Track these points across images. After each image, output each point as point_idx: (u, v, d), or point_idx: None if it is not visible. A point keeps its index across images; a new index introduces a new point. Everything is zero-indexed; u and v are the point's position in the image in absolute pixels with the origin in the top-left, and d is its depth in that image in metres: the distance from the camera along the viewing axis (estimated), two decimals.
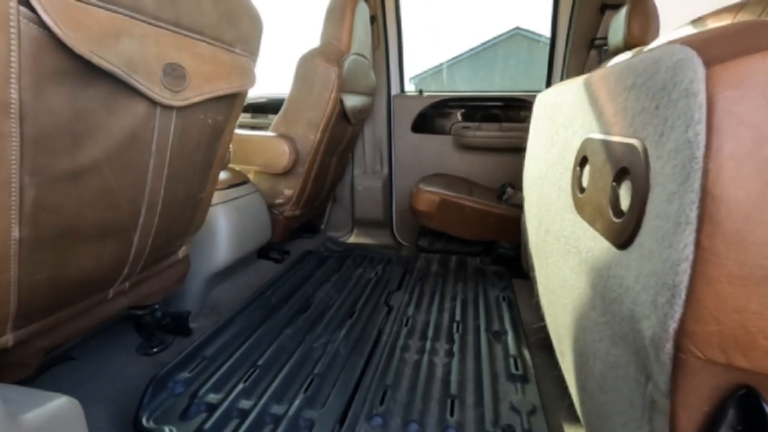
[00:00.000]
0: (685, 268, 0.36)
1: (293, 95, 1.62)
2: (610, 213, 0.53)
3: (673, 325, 0.38)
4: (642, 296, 0.44)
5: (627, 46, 1.53)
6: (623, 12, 1.54)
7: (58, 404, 0.50)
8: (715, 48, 0.39)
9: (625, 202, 0.50)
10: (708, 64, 0.38)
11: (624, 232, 0.49)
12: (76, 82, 0.59)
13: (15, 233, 0.60)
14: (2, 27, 0.49)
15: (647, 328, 0.42)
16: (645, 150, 0.46)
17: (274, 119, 1.69)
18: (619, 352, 0.51)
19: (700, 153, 0.36)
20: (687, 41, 0.42)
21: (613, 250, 0.52)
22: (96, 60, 0.57)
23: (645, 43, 1.49)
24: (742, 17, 0.87)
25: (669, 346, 0.39)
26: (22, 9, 0.50)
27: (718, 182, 0.35)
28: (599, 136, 0.60)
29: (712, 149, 0.35)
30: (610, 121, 0.57)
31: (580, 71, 1.93)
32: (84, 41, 0.56)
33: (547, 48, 2.08)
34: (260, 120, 2.48)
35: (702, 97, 0.36)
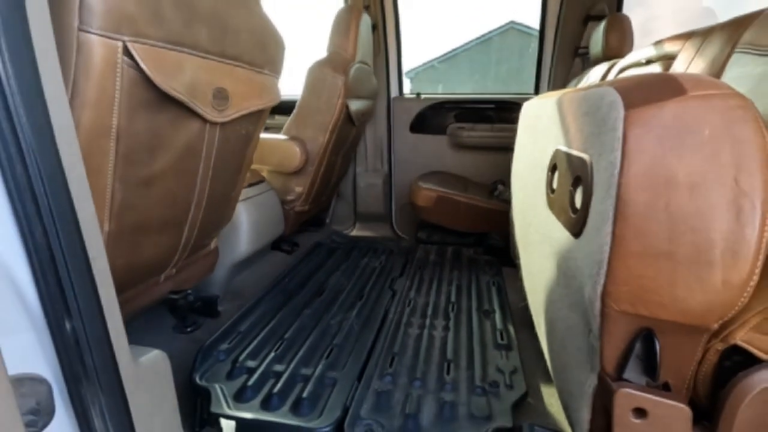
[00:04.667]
0: (607, 249, 0.53)
1: (304, 101, 1.77)
2: (570, 210, 0.70)
3: (600, 289, 0.55)
4: (585, 270, 0.61)
5: (606, 56, 1.70)
6: (602, 27, 1.70)
7: (156, 353, 0.67)
8: (634, 95, 0.56)
9: (578, 202, 0.67)
10: (627, 107, 0.55)
11: (577, 225, 0.66)
12: (154, 108, 0.75)
13: (106, 227, 0.77)
14: (111, 71, 0.65)
15: (587, 293, 0.59)
16: (591, 164, 0.63)
17: (280, 119, 1.84)
18: (574, 315, 0.69)
19: (617, 171, 0.53)
20: (618, 87, 0.59)
21: (571, 238, 0.69)
22: (173, 93, 0.73)
23: (621, 54, 1.65)
24: (690, 45, 1.04)
25: (598, 304, 0.56)
26: (125, 58, 0.66)
27: (627, 191, 0.52)
28: (564, 148, 0.77)
29: (624, 169, 0.52)
30: (572, 138, 0.74)
31: (565, 77, 2.10)
32: (162, 77, 0.72)
33: None
34: (268, 120, 2.63)
35: (620, 133, 0.53)
